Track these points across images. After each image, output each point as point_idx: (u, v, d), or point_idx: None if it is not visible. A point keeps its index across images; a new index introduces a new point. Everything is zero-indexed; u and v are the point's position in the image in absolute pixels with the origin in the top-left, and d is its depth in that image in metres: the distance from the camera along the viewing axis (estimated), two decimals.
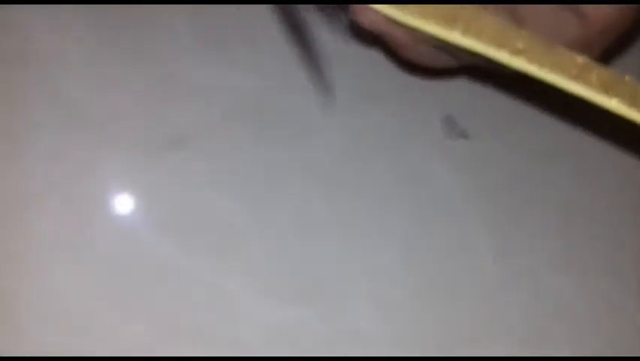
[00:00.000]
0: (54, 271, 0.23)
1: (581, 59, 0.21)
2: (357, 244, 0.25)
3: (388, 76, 0.28)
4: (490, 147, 0.27)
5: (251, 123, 0.26)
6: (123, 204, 0.24)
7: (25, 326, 0.22)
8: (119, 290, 0.23)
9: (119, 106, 0.25)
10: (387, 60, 0.28)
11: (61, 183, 0.23)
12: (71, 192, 0.24)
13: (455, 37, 0.21)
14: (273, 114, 0.26)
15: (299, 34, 0.25)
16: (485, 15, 0.21)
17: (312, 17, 0.25)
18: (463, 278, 0.25)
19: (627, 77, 0.21)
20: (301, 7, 0.25)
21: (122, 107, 0.25)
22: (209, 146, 0.25)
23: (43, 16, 0.26)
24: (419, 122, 0.27)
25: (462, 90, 0.28)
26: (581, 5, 0.22)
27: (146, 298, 0.23)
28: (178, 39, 0.26)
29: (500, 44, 0.20)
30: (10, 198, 0.23)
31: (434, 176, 0.26)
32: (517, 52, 0.20)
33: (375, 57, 0.28)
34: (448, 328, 0.24)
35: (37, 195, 0.23)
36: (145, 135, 0.25)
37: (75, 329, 0.22)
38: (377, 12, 0.21)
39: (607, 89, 0.20)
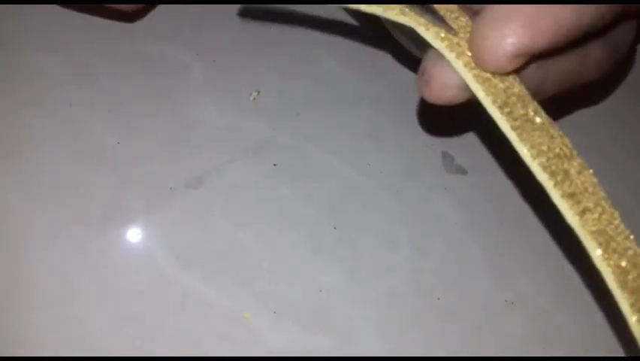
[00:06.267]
0: (78, 304, 0.23)
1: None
2: (365, 273, 0.26)
3: (391, 116, 0.30)
4: (486, 180, 0.29)
5: (263, 162, 0.27)
6: (145, 238, 0.25)
7: (51, 354, 0.23)
8: (141, 320, 0.24)
9: (140, 148, 0.27)
10: (389, 102, 0.30)
11: (85, 220, 0.25)
12: (95, 227, 0.25)
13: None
14: (283, 153, 0.28)
15: None
16: None
17: None
18: (465, 303, 0.26)
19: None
20: None
21: (143, 148, 0.26)
22: (224, 183, 0.26)
23: (66, 63, 0.27)
24: (421, 159, 0.29)
25: (460, 129, 0.30)
26: None
27: (168, 327, 0.24)
28: (194, 85, 0.28)
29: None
30: (35, 233, 0.24)
31: (436, 207, 0.28)
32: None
33: (377, 98, 0.30)
34: (451, 349, 0.25)
35: (62, 231, 0.24)
36: (165, 174, 0.26)
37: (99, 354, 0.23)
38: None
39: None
